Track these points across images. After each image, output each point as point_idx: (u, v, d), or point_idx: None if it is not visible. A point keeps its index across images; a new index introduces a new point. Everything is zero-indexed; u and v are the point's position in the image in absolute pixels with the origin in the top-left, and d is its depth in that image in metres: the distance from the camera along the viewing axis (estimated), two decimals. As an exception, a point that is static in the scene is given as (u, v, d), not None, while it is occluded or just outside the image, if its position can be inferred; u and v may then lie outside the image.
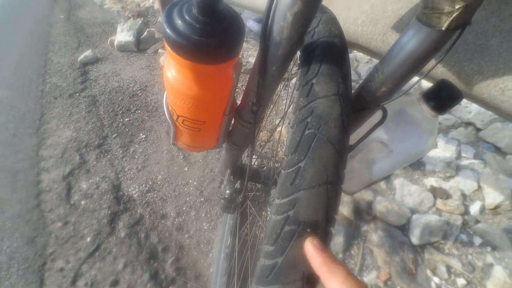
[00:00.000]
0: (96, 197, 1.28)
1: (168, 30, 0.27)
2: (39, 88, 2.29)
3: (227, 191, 0.61)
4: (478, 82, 0.52)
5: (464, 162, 1.54)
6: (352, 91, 0.43)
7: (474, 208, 1.31)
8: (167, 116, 0.40)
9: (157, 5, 3.24)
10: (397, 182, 1.38)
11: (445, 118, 1.76)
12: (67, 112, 1.89)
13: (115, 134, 1.62)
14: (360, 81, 1.81)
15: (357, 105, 0.39)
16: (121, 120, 1.72)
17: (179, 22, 0.27)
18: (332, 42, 0.35)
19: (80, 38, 3.18)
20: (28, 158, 1.58)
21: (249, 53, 2.19)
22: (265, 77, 0.32)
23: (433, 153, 1.58)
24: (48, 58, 2.85)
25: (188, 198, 1.24)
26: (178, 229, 1.14)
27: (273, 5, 0.27)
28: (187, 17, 0.27)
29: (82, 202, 1.27)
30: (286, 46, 0.29)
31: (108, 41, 2.73)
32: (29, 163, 1.55)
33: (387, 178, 0.56)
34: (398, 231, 1.17)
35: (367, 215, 1.21)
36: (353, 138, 0.47)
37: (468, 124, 1.75)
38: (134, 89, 2.00)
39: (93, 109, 1.86)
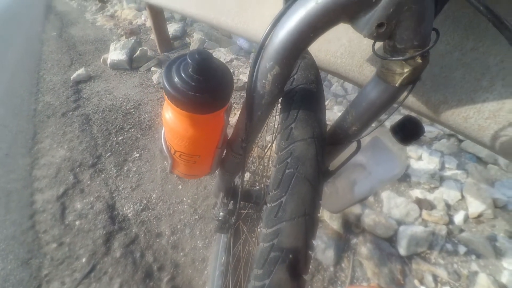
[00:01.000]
0: (91, 217, 1.29)
1: (167, 87, 0.32)
2: (31, 107, 2.30)
3: (221, 213, 0.65)
4: (444, 111, 0.58)
5: (448, 173, 1.61)
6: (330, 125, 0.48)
7: (458, 218, 1.37)
8: (165, 150, 0.44)
9: (149, 23, 3.31)
10: (384, 194, 1.43)
11: (428, 131, 1.85)
12: (61, 131, 1.91)
13: (109, 153, 1.64)
14: (347, 96, 1.87)
15: (333, 140, 0.45)
16: (115, 139, 1.74)
17: (177, 80, 0.32)
18: (309, 88, 0.40)
19: (73, 56, 3.21)
20: (22, 178, 1.59)
21: (240, 71, 2.26)
22: (252, 120, 0.37)
23: (418, 165, 1.65)
24: (41, 76, 2.86)
25: (182, 216, 1.26)
26: (173, 248, 1.16)
27: (256, 65, 0.32)
28: (183, 75, 0.32)
29: (77, 223, 1.28)
30: (268, 97, 0.34)
31: (101, 59, 2.78)
32: (23, 184, 1.55)
33: (367, 198, 0.61)
34: (386, 243, 1.22)
35: (356, 228, 1.26)
36: (334, 164, 0.53)
37: (451, 135, 1.84)
38: (127, 107, 2.03)
39: (87, 128, 1.89)
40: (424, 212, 1.38)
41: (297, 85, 0.40)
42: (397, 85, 0.32)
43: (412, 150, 1.72)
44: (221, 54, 2.51)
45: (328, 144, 0.45)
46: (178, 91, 0.32)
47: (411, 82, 0.32)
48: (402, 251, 1.19)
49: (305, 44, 0.29)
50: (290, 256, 0.29)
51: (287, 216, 0.31)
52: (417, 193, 1.48)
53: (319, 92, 0.41)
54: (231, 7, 1.02)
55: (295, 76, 0.41)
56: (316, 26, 0.27)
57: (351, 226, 1.26)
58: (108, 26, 3.97)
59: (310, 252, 0.31)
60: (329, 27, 0.28)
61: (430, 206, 1.41)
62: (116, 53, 2.53)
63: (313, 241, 0.32)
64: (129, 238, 1.19)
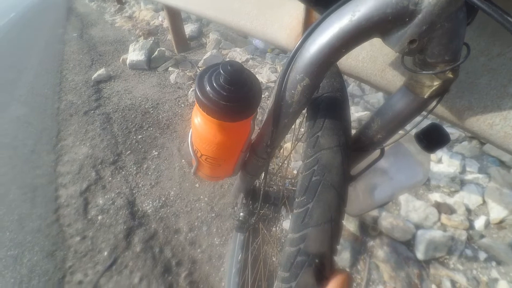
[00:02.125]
0: (112, 213, 1.34)
1: (199, 95, 0.34)
2: (55, 106, 2.40)
3: (241, 214, 0.66)
4: (469, 117, 0.57)
5: (469, 176, 1.57)
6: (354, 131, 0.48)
7: (479, 223, 1.33)
8: (191, 152, 0.46)
9: (166, 24, 3.38)
10: (402, 197, 1.41)
11: (449, 133, 1.80)
12: (83, 129, 1.98)
13: (129, 151, 1.69)
14: (364, 96, 1.85)
15: (358, 146, 0.45)
16: (134, 137, 1.79)
17: (208, 89, 0.34)
18: (334, 97, 0.41)
19: (93, 56, 3.32)
20: (47, 174, 1.67)
21: (256, 70, 2.27)
22: (278, 127, 0.38)
23: (438, 168, 1.62)
24: (63, 76, 2.98)
25: (199, 214, 1.29)
26: (191, 244, 1.19)
27: (286, 76, 0.33)
28: (215, 85, 0.34)
29: (99, 217, 1.33)
30: (296, 106, 0.35)
31: (121, 60, 2.85)
32: (48, 179, 1.63)
33: (388, 203, 0.61)
34: (403, 247, 1.21)
35: (373, 230, 1.25)
36: (356, 169, 0.53)
37: (472, 138, 1.78)
38: (146, 106, 2.09)
39: (108, 126, 1.95)
40: (443, 216, 1.35)
41: (323, 93, 0.41)
42: (425, 96, 0.32)
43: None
44: (237, 54, 2.53)
45: (353, 150, 0.45)
46: (209, 100, 0.34)
47: (440, 94, 0.32)
48: (420, 255, 1.17)
49: (336, 58, 0.30)
50: (316, 260, 0.31)
51: (314, 222, 0.32)
52: (436, 196, 1.45)
53: (344, 100, 0.42)
54: (249, 10, 1.03)
55: (321, 84, 0.42)
56: (349, 41, 0.28)
57: (368, 229, 1.26)
58: (126, 27, 4.07)
59: (334, 256, 0.32)
60: (361, 42, 0.28)
61: (450, 210, 1.38)
62: (135, 54, 2.59)
63: (337, 246, 0.33)
64: (148, 233, 1.23)
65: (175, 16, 2.65)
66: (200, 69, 2.51)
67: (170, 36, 2.98)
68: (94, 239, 1.24)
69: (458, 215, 1.37)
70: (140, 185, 1.47)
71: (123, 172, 1.57)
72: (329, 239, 0.31)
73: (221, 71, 0.33)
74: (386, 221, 1.26)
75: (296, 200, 0.35)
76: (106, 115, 2.08)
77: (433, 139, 0.41)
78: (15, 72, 3.43)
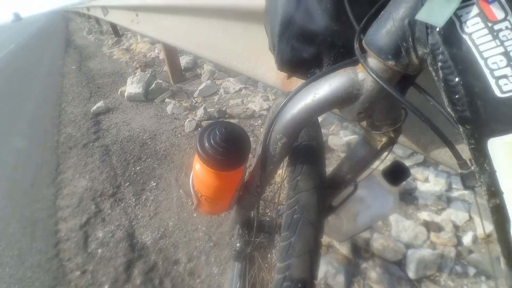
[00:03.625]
0: (112, 245, 1.37)
1: (200, 150, 0.42)
2: (54, 139, 2.46)
3: (238, 244, 0.72)
4: (432, 150, 0.66)
5: (455, 193, 1.64)
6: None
7: (467, 239, 1.39)
8: (192, 193, 0.53)
9: (162, 56, 3.54)
10: (392, 218, 1.47)
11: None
12: (82, 162, 2.03)
13: (128, 183, 1.75)
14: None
15: (333, 184, 0.53)
16: (133, 168, 1.85)
17: (207, 145, 0.42)
18: (311, 145, 0.49)
19: (92, 88, 3.43)
20: (46, 207, 1.70)
21: (248, 99, 2.39)
22: (265, 171, 0.46)
23: (424, 187, 1.69)
24: (62, 108, 3.06)
25: (198, 243, 1.33)
26: (190, 274, 1.22)
27: (269, 134, 0.42)
28: (212, 142, 0.42)
29: (99, 251, 1.36)
30: (278, 157, 0.43)
31: (119, 92, 2.97)
32: (47, 213, 1.66)
33: (369, 228, 0.67)
34: (395, 267, 1.25)
35: (365, 252, 1.30)
36: (338, 200, 0.60)
37: (455, 158, 1.87)
38: (144, 137, 2.16)
39: (106, 158, 2.01)
40: (432, 235, 1.41)
41: (302, 142, 0.49)
42: (378, 148, 0.41)
43: (418, 172, 1.77)
44: (230, 84, 2.66)
45: (330, 187, 0.53)
46: (207, 154, 0.42)
47: (389, 146, 0.41)
48: (411, 274, 1.22)
49: (306, 123, 0.38)
50: (299, 285, 0.37)
51: (296, 253, 0.39)
52: (424, 215, 1.52)
53: (319, 147, 0.50)
54: (241, 52, 1.14)
55: (300, 134, 0.50)
56: (313, 113, 0.36)
57: (361, 251, 1.30)
58: (124, 59, 4.24)
59: (315, 280, 0.39)
60: (324, 113, 0.37)
61: (438, 228, 1.44)
62: (133, 87, 2.71)
63: (317, 272, 0.39)
64: (148, 265, 1.26)
65: (171, 49, 2.80)
66: (196, 99, 2.62)
67: (166, 68, 3.13)
68: (94, 273, 1.27)
69: (446, 232, 1.42)
70: (139, 217, 1.52)
71: (122, 204, 1.61)
72: (310, 267, 0.38)
73: (217, 132, 0.41)
74: (378, 242, 1.31)
75: (281, 235, 0.42)
76: (105, 147, 2.15)
77: (396, 175, 0.49)
78: (14, 104, 3.52)
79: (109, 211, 1.57)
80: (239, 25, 1.12)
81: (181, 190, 1.62)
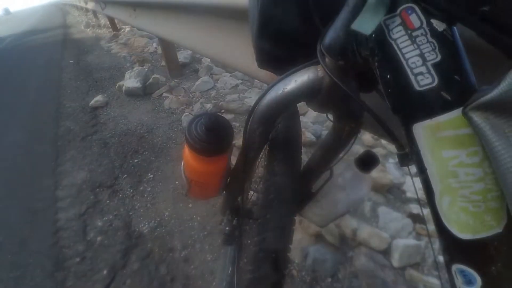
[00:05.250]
0: (110, 234, 1.43)
1: (189, 138, 0.47)
2: (53, 131, 2.50)
3: (227, 228, 0.78)
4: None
5: (442, 189, 1.70)
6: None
7: (451, 232, 1.45)
8: (184, 178, 0.58)
9: (160, 50, 3.56)
10: (380, 210, 1.53)
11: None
12: (81, 154, 2.08)
13: (126, 175, 1.80)
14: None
15: (310, 170, 0.59)
16: (131, 161, 1.90)
17: (194, 134, 0.47)
18: (288, 135, 0.55)
19: (90, 82, 3.46)
20: (46, 198, 1.75)
21: (245, 95, 2.44)
22: (247, 159, 0.51)
23: (412, 182, 1.75)
24: (60, 102, 3.09)
25: (193, 232, 1.39)
26: (184, 261, 1.28)
27: (249, 125, 0.47)
28: (199, 131, 0.47)
29: (98, 239, 1.41)
30: (257, 145, 0.49)
31: (116, 86, 3.00)
32: (47, 203, 1.71)
33: (348, 212, 0.73)
34: (380, 255, 1.31)
35: (352, 241, 1.36)
36: (315, 186, 0.66)
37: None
38: (141, 131, 2.21)
39: (105, 151, 2.06)
40: (418, 226, 1.47)
41: (280, 132, 0.55)
42: (343, 137, 0.46)
43: (408, 167, 1.82)
44: (227, 80, 2.71)
45: (307, 173, 0.59)
46: (195, 141, 0.47)
47: (353, 135, 0.46)
48: (395, 263, 1.28)
49: (279, 115, 0.43)
50: (273, 255, 0.43)
51: (270, 228, 0.44)
52: (411, 208, 1.58)
53: (296, 137, 0.56)
54: (234, 50, 1.19)
55: (279, 125, 0.56)
56: (283, 105, 0.41)
57: (348, 240, 1.37)
58: (122, 54, 4.26)
59: (288, 253, 0.44)
60: (294, 105, 0.42)
61: (424, 220, 1.51)
62: (131, 81, 2.75)
63: (289, 245, 0.45)
64: (145, 252, 1.32)
65: (168, 44, 2.83)
66: (193, 94, 2.67)
67: (164, 63, 3.16)
68: (93, 259, 1.32)
69: (431, 224, 1.49)
70: (136, 207, 1.57)
71: (120, 195, 1.66)
72: (282, 240, 0.44)
73: (202, 122, 0.47)
74: (364, 232, 1.37)
75: (259, 212, 0.47)
76: (103, 141, 2.19)
77: (367, 163, 0.54)
78: (13, 97, 3.54)
79: (107, 201, 1.62)
80: (234, 23, 1.16)
81: (177, 182, 1.67)
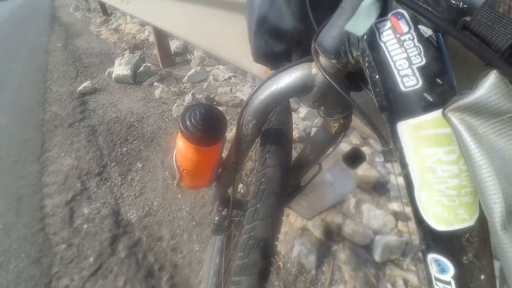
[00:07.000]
0: (98, 221, 1.42)
1: (182, 127, 0.48)
2: (39, 117, 2.44)
3: (216, 218, 0.79)
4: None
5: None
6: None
7: (430, 229, 1.51)
8: (175, 167, 0.59)
9: (152, 38, 3.50)
10: (365, 207, 1.58)
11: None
12: (68, 141, 2.04)
13: (114, 163, 1.78)
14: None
15: (299, 164, 0.61)
16: (119, 149, 1.89)
17: (188, 123, 0.48)
18: (280, 129, 0.56)
19: (78, 67, 3.37)
20: (31, 184, 1.72)
21: (237, 88, 2.43)
22: (239, 150, 0.53)
23: (397, 180, 1.81)
24: (47, 86, 3.01)
25: (181, 222, 1.40)
26: (172, 250, 1.29)
27: (242, 116, 0.48)
28: (193, 121, 0.48)
29: (85, 226, 1.41)
30: (250, 137, 0.50)
31: (106, 73, 2.94)
32: (33, 189, 1.68)
33: (335, 206, 0.76)
34: (363, 250, 1.36)
35: (337, 236, 1.40)
36: (304, 180, 0.68)
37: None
38: (131, 120, 2.18)
39: (93, 138, 2.03)
40: (400, 224, 1.53)
41: (272, 126, 0.56)
42: (333, 132, 0.48)
43: (393, 166, 1.88)
44: (220, 72, 2.69)
45: (297, 167, 0.61)
46: (189, 131, 0.48)
47: (342, 131, 0.48)
48: (377, 257, 1.33)
49: (272, 108, 0.45)
50: (262, 243, 0.44)
51: (260, 217, 0.46)
52: (395, 206, 1.63)
53: (288, 131, 0.58)
54: (228, 42, 1.19)
55: (271, 119, 0.57)
56: (276, 99, 0.43)
57: (333, 234, 1.41)
58: (112, 40, 4.16)
59: (276, 242, 0.46)
60: (286, 100, 0.43)
61: (406, 218, 1.56)
62: (121, 68, 2.70)
63: (278, 234, 0.47)
64: (132, 241, 1.32)
65: (161, 33, 2.78)
66: (184, 85, 2.64)
67: (155, 51, 3.11)
68: (79, 246, 1.32)
69: (413, 222, 1.54)
70: (124, 196, 1.56)
71: (108, 183, 1.65)
72: (271, 229, 0.46)
73: (197, 112, 0.48)
74: (349, 227, 1.41)
75: (249, 202, 0.49)
76: (92, 128, 2.16)
77: (355, 159, 0.57)
78: (-4, 81, 3.41)
79: (95, 189, 1.61)
80: (229, 14, 1.16)
81: (166, 172, 1.67)
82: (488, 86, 0.21)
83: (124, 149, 1.89)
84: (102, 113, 2.34)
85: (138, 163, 1.77)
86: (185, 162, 0.55)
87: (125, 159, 1.81)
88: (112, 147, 1.92)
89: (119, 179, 1.66)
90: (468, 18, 0.21)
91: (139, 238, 1.34)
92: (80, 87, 2.71)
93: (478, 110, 0.22)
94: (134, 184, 1.63)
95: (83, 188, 1.63)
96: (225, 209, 0.80)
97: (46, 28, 5.82)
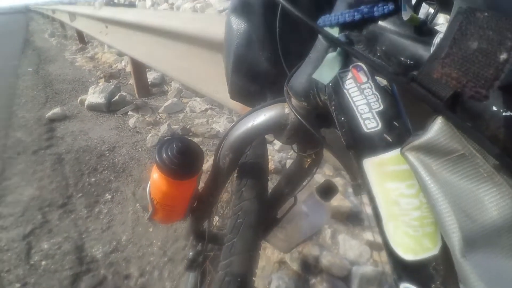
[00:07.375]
0: (58, 258, 1.30)
1: (158, 160, 0.48)
2: (1, 142, 2.28)
3: (190, 253, 0.77)
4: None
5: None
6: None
7: (403, 259, 1.54)
8: (149, 200, 0.57)
9: (129, 68, 3.51)
10: (340, 237, 1.59)
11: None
12: (31, 169, 1.92)
13: (80, 194, 1.68)
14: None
15: (275, 196, 0.62)
16: (87, 180, 1.79)
17: (165, 156, 0.48)
18: (257, 162, 0.58)
19: (48, 93, 3.26)
20: (-15, 216, 1.56)
21: (214, 120, 2.46)
22: (216, 184, 0.53)
23: (370, 211, 1.86)
24: (13, 111, 2.87)
25: (152, 258, 1.32)
26: (141, 289, 1.20)
27: (219, 151, 0.49)
28: (169, 154, 0.48)
29: (43, 263, 1.28)
30: (226, 170, 0.51)
31: (78, 100, 2.87)
32: (-14, 222, 1.53)
33: (311, 237, 0.76)
34: (341, 282, 1.35)
35: (315, 268, 1.39)
36: (280, 212, 0.69)
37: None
38: (102, 149, 2.11)
39: (59, 167, 1.92)
40: (375, 253, 1.55)
41: (249, 159, 0.58)
42: (306, 167, 0.51)
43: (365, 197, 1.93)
44: (197, 104, 2.72)
45: (273, 199, 0.62)
46: (165, 164, 0.48)
47: (314, 165, 0.51)
48: (354, 289, 1.32)
49: (248, 144, 0.47)
50: (239, 279, 0.44)
51: (237, 252, 0.46)
52: (369, 236, 1.66)
53: (264, 165, 0.60)
54: (205, 76, 1.23)
55: (248, 153, 0.59)
56: (252, 136, 0.46)
57: (310, 267, 1.39)
58: (87, 67, 4.11)
59: (253, 277, 0.45)
60: (260, 136, 0.46)
61: (380, 247, 1.59)
62: (95, 96, 2.65)
63: (255, 269, 0.46)
64: (96, 279, 1.22)
65: (139, 64, 2.81)
66: (160, 115, 2.63)
67: (132, 81, 3.11)
68: (36, 285, 1.19)
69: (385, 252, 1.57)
70: (90, 230, 1.46)
71: (73, 216, 1.54)
72: (249, 264, 0.45)
73: (174, 145, 0.48)
74: (326, 259, 1.41)
75: (226, 236, 0.49)
76: (58, 156, 2.05)
77: (328, 192, 0.59)
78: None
79: (57, 222, 1.50)
80: (206, 52, 1.21)
81: (137, 204, 1.60)
82: (436, 129, 0.24)
83: (93, 179, 1.80)
84: (71, 141, 2.24)
85: (107, 195, 1.68)
86: (160, 195, 0.54)
87: (93, 190, 1.72)
88: (79, 177, 1.82)
89: (85, 212, 1.56)
90: (415, 72, 0.25)
91: (104, 276, 1.24)
92: (49, 113, 2.61)
93: (430, 150, 0.25)
94: (101, 217, 1.53)
95: (43, 220, 1.50)
96: (200, 244, 0.78)
97: (17, 51, 5.66)
